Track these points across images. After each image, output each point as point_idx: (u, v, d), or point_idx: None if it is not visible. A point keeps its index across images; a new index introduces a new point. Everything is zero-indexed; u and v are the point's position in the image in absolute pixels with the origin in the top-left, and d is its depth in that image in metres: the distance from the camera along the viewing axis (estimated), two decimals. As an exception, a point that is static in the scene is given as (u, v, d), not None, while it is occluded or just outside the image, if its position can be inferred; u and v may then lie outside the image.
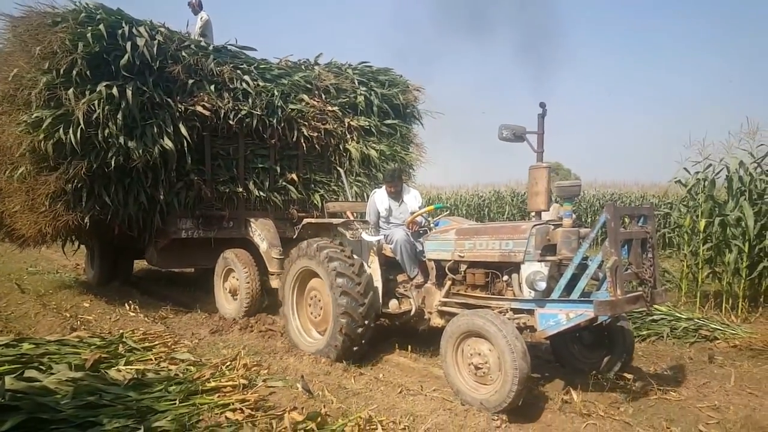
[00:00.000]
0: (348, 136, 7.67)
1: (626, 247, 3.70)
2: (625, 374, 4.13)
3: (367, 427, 3.08)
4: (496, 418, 3.40)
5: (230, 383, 3.60)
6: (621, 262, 3.50)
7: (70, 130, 5.43)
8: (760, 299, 6.59)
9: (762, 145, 6.57)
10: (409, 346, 4.82)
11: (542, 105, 4.23)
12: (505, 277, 4.06)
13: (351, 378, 4.13)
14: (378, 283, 4.75)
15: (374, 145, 7.85)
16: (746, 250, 6.23)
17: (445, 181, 24.55)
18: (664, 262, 9.55)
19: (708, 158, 6.83)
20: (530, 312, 3.80)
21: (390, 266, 4.90)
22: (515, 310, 3.88)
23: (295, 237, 5.94)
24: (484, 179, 25.39)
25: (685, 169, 7.05)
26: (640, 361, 4.89)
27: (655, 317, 5.79)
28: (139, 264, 8.64)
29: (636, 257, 3.70)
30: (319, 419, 3.07)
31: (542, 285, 3.67)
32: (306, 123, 7.17)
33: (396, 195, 5.16)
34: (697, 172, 6.95)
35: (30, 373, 3.38)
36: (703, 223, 6.50)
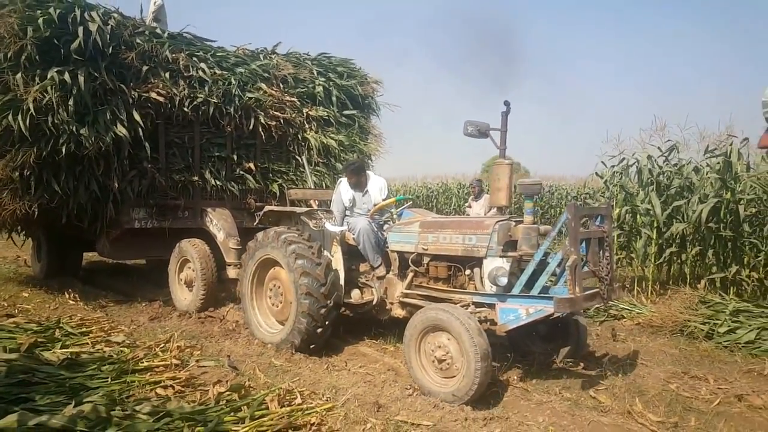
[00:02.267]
0: (307, 125, 7.57)
1: (584, 245, 3.73)
2: (532, 349, 4.39)
3: (287, 397, 3.22)
4: (409, 387, 3.59)
5: (163, 363, 3.66)
6: (580, 261, 3.54)
7: (19, 116, 5.20)
8: (669, 282, 7.02)
9: (669, 140, 6.97)
10: (341, 327, 4.95)
11: (506, 103, 4.24)
12: (468, 271, 4.04)
13: (282, 357, 4.24)
14: (340, 272, 4.61)
15: (333, 135, 7.76)
16: (654, 237, 6.63)
17: (396, 172, 24.72)
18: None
19: (623, 153, 7.23)
20: (491, 306, 3.78)
21: (352, 256, 4.75)
22: (477, 304, 3.85)
23: (255, 224, 5.76)
24: (433, 171, 25.66)
25: (602, 162, 7.45)
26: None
27: (570, 298, 6.10)
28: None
29: (594, 255, 3.75)
30: (243, 391, 3.19)
31: (504, 280, 3.68)
32: (264, 112, 7.03)
33: (358, 185, 5.00)
34: (613, 166, 7.34)
35: (-38, 354, 3.36)
36: (617, 211, 6.87)
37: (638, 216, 6.81)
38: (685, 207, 6.57)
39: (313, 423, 2.95)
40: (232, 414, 2.93)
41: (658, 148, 7.00)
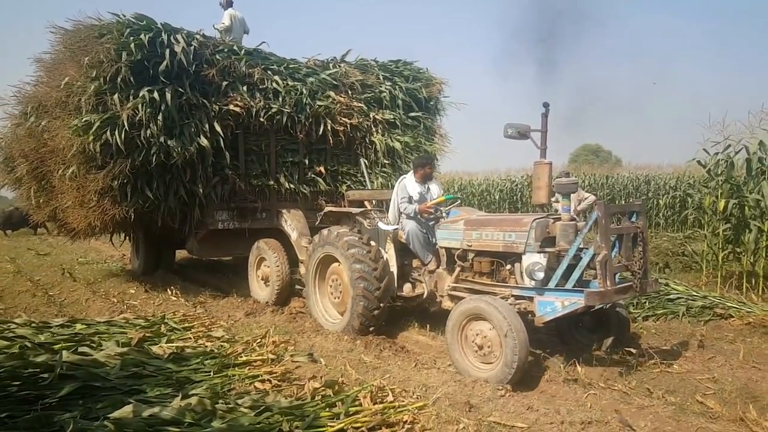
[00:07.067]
0: (373, 129, 7.94)
1: (618, 241, 3.98)
2: (629, 349, 4.23)
3: (380, 394, 3.31)
4: (501, 387, 3.58)
5: (260, 358, 3.91)
6: (610, 256, 3.75)
7: (116, 132, 5.86)
8: (784, 278, 6.47)
9: (782, 123, 6.39)
10: (428, 325, 5.04)
11: (545, 105, 4.43)
12: (509, 266, 4.32)
13: (371, 354, 4.39)
14: (393, 268, 5.06)
15: (399, 137, 8.09)
16: (765, 230, 6.12)
17: (476, 167, 24.34)
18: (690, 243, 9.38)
19: (728, 138, 6.67)
20: (530, 299, 4.03)
21: (405, 252, 5.19)
22: (517, 297, 4.12)
23: (317, 224, 6.29)
24: (516, 164, 24.91)
25: (704, 150, 6.92)
26: (652, 338, 4.95)
27: (671, 296, 5.81)
28: (181, 253, 9.16)
29: (627, 251, 3.98)
30: (336, 387, 3.35)
31: (540, 275, 3.93)
32: (332, 118, 7.47)
33: (425, 180, 5.31)
34: (717, 153, 6.81)
35: (83, 349, 3.78)
36: (722, 203, 6.39)
37: (746, 208, 6.33)
38: (803, 197, 6.02)
39: (406, 421, 3.01)
40: (327, 409, 3.07)
41: (770, 133, 6.45)
